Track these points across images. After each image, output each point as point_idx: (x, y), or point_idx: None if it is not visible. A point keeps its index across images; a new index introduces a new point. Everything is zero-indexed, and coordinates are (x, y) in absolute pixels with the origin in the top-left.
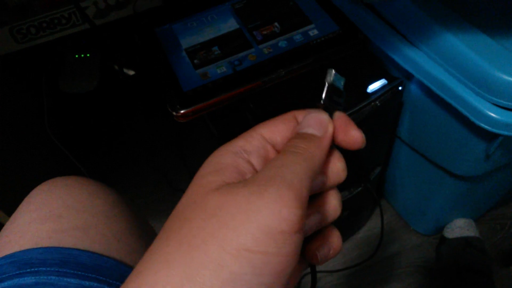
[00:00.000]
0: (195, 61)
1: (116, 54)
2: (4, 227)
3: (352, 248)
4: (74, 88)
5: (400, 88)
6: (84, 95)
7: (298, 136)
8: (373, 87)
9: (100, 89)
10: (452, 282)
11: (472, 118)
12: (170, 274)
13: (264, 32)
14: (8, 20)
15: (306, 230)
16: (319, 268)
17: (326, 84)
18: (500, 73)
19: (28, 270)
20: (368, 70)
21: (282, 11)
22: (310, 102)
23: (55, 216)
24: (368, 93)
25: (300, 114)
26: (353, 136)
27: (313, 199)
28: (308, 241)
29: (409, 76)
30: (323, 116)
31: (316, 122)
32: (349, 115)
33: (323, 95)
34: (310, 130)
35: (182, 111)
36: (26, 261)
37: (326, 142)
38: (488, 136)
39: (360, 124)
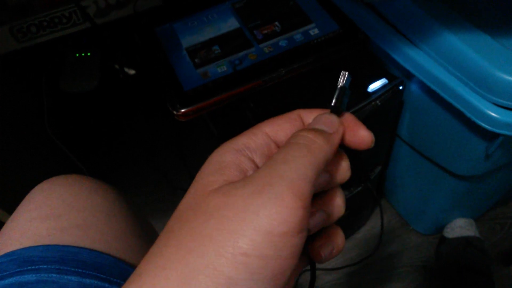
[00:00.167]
0: (196, 60)
1: (117, 54)
2: (5, 225)
3: (352, 247)
4: (75, 88)
5: (400, 87)
6: (84, 94)
7: (307, 129)
8: (374, 86)
9: (101, 88)
10: (452, 281)
11: (473, 118)
12: (168, 278)
13: (265, 32)
14: (8, 19)
15: (311, 228)
16: (318, 266)
17: (339, 87)
18: (501, 72)
19: (29, 267)
20: (368, 69)
21: (283, 10)
22: (310, 101)
23: (55, 214)
24: (369, 93)
25: (305, 114)
26: (362, 136)
27: (318, 197)
28: (312, 239)
29: (409, 76)
30: (333, 117)
31: (326, 122)
32: None
33: (335, 98)
34: (320, 126)
35: (182, 110)
36: (26, 259)
37: (335, 139)
38: (488, 136)
39: None
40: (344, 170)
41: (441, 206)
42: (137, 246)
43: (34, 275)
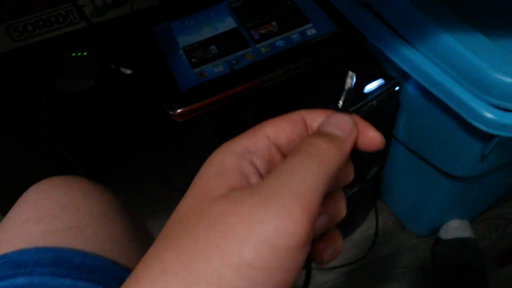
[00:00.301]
0: (193, 60)
1: (114, 53)
2: None
3: (349, 248)
4: (72, 87)
5: (397, 88)
6: (81, 93)
7: (319, 134)
8: (370, 87)
9: (98, 87)
10: (447, 282)
11: (469, 119)
12: (169, 283)
13: (262, 31)
14: (4, 18)
15: (315, 232)
16: (314, 266)
17: (346, 88)
18: (497, 73)
19: (22, 270)
20: (365, 69)
21: (280, 10)
22: (308, 101)
23: (50, 215)
24: (365, 93)
25: (308, 115)
26: (373, 138)
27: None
28: (314, 242)
29: (406, 76)
30: (347, 119)
31: (340, 123)
32: None
33: (342, 99)
34: (333, 130)
35: (179, 110)
36: (19, 262)
37: (349, 146)
38: (485, 137)
39: None
40: (349, 173)
41: (437, 207)
42: (132, 249)
43: (26, 278)
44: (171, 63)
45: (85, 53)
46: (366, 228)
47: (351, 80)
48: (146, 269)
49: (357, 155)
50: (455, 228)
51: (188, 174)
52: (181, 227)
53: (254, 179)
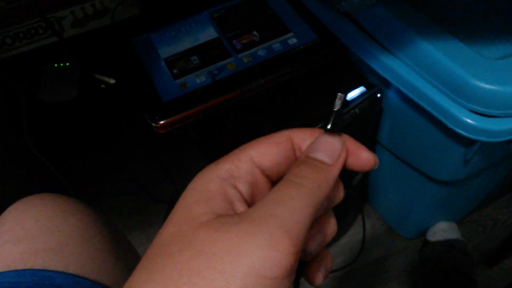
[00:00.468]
0: (174, 71)
1: (96, 63)
2: None
3: (337, 253)
4: (54, 97)
5: (379, 95)
6: (64, 104)
7: (306, 161)
8: (352, 94)
9: (81, 98)
10: (436, 284)
11: (450, 125)
12: None
13: (243, 41)
14: None
15: (312, 252)
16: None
17: (335, 110)
18: (476, 80)
19: None
20: (347, 78)
21: (261, 20)
22: (292, 111)
23: (29, 236)
24: (347, 101)
25: (296, 135)
26: (365, 159)
27: (315, 220)
28: (308, 264)
29: (387, 84)
30: (336, 141)
31: (328, 147)
32: None
33: (331, 122)
34: (320, 155)
35: (161, 122)
36: None
37: (336, 172)
38: (466, 142)
39: (340, 131)
40: (339, 193)
41: (423, 210)
42: (115, 268)
43: None
44: (152, 74)
45: (67, 64)
46: (354, 233)
47: (340, 101)
48: None
49: None
50: (443, 230)
51: (170, 184)
52: (164, 256)
53: (238, 205)
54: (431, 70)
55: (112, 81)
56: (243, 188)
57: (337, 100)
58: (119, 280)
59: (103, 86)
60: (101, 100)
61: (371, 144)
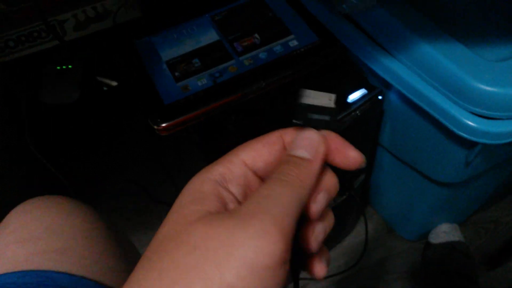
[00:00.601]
0: (176, 73)
1: (98, 66)
2: None
3: (338, 255)
4: (56, 100)
5: (380, 97)
6: (66, 106)
7: (288, 161)
8: (353, 97)
9: (83, 100)
10: (438, 286)
11: (451, 127)
12: None
13: (244, 44)
14: None
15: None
16: (304, 275)
17: (299, 103)
18: (477, 82)
19: None
20: (348, 80)
21: (262, 22)
22: (292, 115)
23: (33, 238)
24: (349, 103)
25: (287, 134)
26: (352, 157)
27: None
28: (310, 257)
29: (388, 86)
30: (314, 135)
31: (306, 143)
32: None
33: (296, 116)
34: (300, 153)
35: (163, 125)
36: (3, 286)
37: (317, 165)
38: (467, 144)
39: (341, 134)
40: (333, 183)
41: (425, 212)
42: (118, 268)
43: None
44: (154, 77)
45: (69, 66)
46: (355, 235)
47: (297, 96)
48: None
49: None
50: (445, 232)
51: (171, 186)
52: (161, 253)
53: (231, 205)
54: (432, 72)
55: (114, 83)
56: (236, 190)
57: (300, 94)
58: (122, 281)
59: (105, 88)
60: (103, 103)
61: (372, 146)
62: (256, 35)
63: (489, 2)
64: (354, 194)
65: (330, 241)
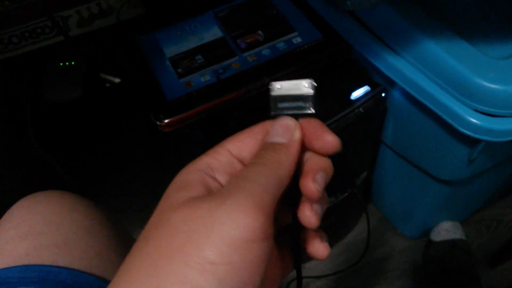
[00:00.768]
0: (179, 70)
1: (102, 62)
2: None
3: (340, 253)
4: (59, 97)
5: (383, 94)
6: (69, 103)
7: (265, 146)
8: (357, 94)
9: (86, 97)
10: (439, 284)
11: (454, 124)
12: None
13: (248, 41)
14: None
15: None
16: (307, 273)
17: (271, 95)
18: (481, 79)
19: None
20: (351, 77)
21: (265, 19)
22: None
23: (35, 232)
24: (352, 100)
25: (269, 124)
26: (328, 141)
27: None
28: (308, 241)
29: (391, 83)
30: (288, 121)
31: (282, 130)
32: (334, 122)
33: (270, 107)
34: (276, 139)
35: (166, 121)
36: (4, 281)
37: (293, 149)
38: (470, 142)
39: (344, 131)
40: (325, 164)
41: (427, 209)
42: (119, 263)
43: None
44: (157, 73)
45: (73, 63)
46: (357, 232)
47: (273, 88)
48: (114, 284)
49: (346, 161)
50: (446, 230)
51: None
52: (145, 241)
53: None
54: (436, 69)
55: (117, 80)
56: (222, 178)
57: (271, 87)
58: None
59: (107, 85)
60: (106, 99)
61: (375, 143)
62: (260, 32)
63: (493, 0)
64: (356, 191)
65: (332, 238)
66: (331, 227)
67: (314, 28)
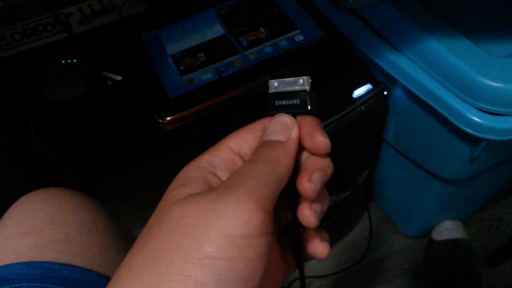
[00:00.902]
0: (181, 67)
1: (103, 60)
2: None
3: (341, 251)
4: (60, 94)
5: (385, 93)
6: (70, 101)
7: (263, 144)
8: (359, 92)
9: (87, 95)
10: (440, 283)
11: (456, 123)
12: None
13: (250, 38)
14: None
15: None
16: (308, 273)
17: (269, 93)
18: (483, 78)
19: (8, 286)
20: (353, 75)
21: (268, 17)
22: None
23: (37, 229)
24: (354, 98)
25: (268, 121)
26: (318, 142)
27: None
28: (309, 240)
29: (393, 81)
30: (286, 119)
31: (279, 127)
32: (335, 120)
33: (268, 105)
34: (274, 136)
35: (168, 118)
36: (5, 277)
37: (291, 146)
38: (472, 140)
39: (346, 129)
40: (325, 163)
41: (429, 208)
42: (121, 261)
43: None
44: (159, 71)
45: (74, 60)
46: (359, 231)
47: (272, 85)
48: (115, 281)
49: (347, 160)
50: (448, 229)
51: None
52: (146, 237)
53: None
54: (438, 67)
55: (119, 78)
56: (223, 174)
57: (269, 85)
58: None
59: (109, 83)
60: (108, 97)
61: (376, 141)
62: (262, 30)
63: None
64: (357, 190)
65: (333, 237)
66: (332, 226)
67: (316, 26)
